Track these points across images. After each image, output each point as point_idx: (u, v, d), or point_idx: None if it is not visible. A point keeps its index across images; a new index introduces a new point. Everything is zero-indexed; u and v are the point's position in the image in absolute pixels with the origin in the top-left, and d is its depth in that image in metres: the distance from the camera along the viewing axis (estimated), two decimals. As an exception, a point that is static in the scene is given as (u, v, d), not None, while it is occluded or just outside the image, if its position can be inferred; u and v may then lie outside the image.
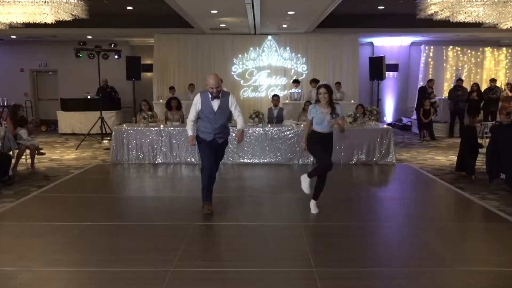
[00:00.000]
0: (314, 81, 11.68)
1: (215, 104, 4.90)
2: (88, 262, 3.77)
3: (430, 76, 14.67)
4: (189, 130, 4.99)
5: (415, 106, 12.28)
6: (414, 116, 13.81)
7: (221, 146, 5.09)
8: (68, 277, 3.53)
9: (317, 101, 4.97)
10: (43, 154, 8.50)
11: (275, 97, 9.38)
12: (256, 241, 4.30)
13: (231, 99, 5.02)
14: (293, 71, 13.52)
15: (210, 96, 4.88)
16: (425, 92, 11.66)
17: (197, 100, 4.96)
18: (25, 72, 15.20)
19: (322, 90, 4.86)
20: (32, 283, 3.39)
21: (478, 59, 14.77)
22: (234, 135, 5.92)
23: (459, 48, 14.67)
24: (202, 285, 3.37)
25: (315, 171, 5.02)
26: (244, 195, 5.25)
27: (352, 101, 12.20)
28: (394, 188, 6.85)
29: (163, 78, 13.47)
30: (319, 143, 4.90)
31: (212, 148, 4.98)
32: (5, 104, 12.46)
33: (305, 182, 5.02)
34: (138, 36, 13.95)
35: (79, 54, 10.26)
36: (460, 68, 14.71)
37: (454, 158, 7.94)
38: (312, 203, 5.12)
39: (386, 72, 12.99)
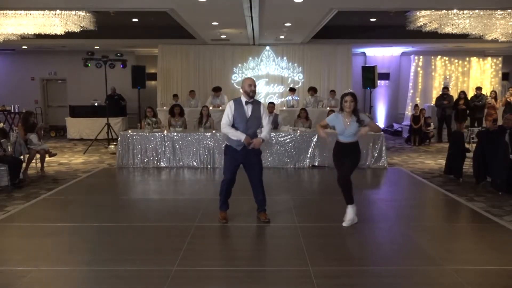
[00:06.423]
0: (312, 89, 11.72)
1: (249, 110, 4.57)
2: (94, 262, 3.75)
3: (420, 84, 14.74)
4: (238, 134, 4.52)
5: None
6: (405, 122, 13.86)
7: (253, 152, 4.65)
8: (75, 276, 3.51)
9: (341, 109, 4.53)
10: (55, 154, 8.47)
11: (271, 104, 9.53)
12: (255, 241, 4.29)
13: (262, 108, 4.68)
14: (290, 79, 13.53)
15: (244, 101, 4.57)
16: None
17: (230, 106, 4.60)
18: (36, 80, 15.19)
19: (348, 98, 4.35)
20: (40, 282, 3.37)
21: (465, 68, 14.81)
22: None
23: (446, 58, 14.71)
24: (203, 283, 3.35)
25: (342, 188, 4.55)
26: (243, 197, 5.22)
27: (345, 108, 12.20)
28: (386, 190, 6.83)
29: (166, 86, 13.47)
30: (341, 154, 4.52)
31: (238, 160, 4.67)
32: (17, 111, 12.45)
33: (351, 210, 4.57)
34: (143, 46, 13.98)
35: (87, 63, 10.31)
36: (448, 77, 14.74)
37: (443, 162, 7.95)
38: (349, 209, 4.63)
39: (378, 81, 13.00)
